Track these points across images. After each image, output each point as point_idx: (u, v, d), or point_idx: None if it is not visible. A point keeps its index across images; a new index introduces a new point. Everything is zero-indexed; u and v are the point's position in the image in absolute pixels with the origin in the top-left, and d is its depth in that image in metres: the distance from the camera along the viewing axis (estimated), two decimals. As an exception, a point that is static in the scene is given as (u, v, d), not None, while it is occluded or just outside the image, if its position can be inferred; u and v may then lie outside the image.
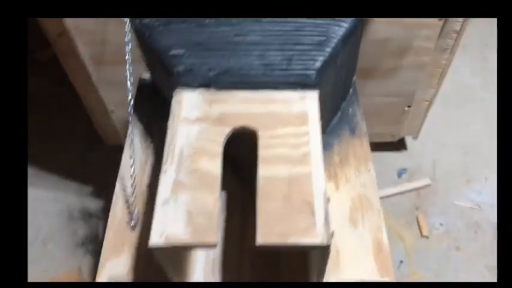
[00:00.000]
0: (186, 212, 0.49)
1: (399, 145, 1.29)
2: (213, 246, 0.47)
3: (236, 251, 0.65)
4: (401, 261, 1.11)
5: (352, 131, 0.75)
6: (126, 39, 0.59)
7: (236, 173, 0.69)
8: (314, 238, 0.47)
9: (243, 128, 0.55)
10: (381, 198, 1.06)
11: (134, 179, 0.64)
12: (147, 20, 0.63)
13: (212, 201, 0.50)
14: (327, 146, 0.72)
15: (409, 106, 0.97)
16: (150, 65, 0.69)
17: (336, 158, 0.72)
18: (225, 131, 0.55)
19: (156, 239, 0.47)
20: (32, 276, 1.10)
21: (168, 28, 0.62)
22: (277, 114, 0.56)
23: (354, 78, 0.78)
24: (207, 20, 0.62)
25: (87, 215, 1.22)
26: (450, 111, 1.37)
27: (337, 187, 0.69)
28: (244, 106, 0.57)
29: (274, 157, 0.53)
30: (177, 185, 0.51)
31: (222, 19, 0.62)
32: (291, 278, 0.61)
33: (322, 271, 0.55)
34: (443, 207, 1.20)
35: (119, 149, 1.20)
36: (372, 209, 0.66)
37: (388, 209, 1.19)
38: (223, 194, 0.70)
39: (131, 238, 0.65)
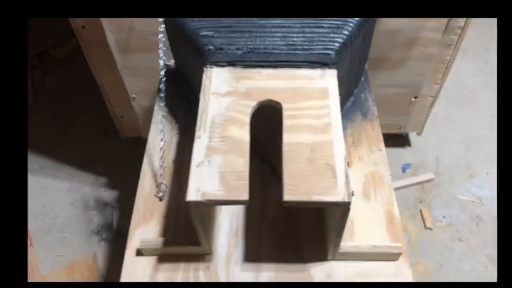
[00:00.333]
0: (219, 172, 0.53)
1: (403, 141, 1.34)
2: (245, 202, 0.52)
3: (257, 219, 0.69)
4: (406, 251, 1.15)
5: (364, 115, 0.80)
6: (159, 23, 0.64)
7: (255, 149, 0.73)
8: (336, 196, 0.52)
9: (268, 101, 0.60)
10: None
11: (164, 152, 0.68)
12: (178, 5, 0.68)
13: (243, 163, 0.54)
14: (340, 127, 0.76)
15: (415, 97, 1.02)
16: (178, 49, 0.74)
17: (349, 139, 0.77)
18: (252, 103, 0.60)
19: (193, 195, 0.52)
20: (49, 262, 1.13)
21: (198, 12, 0.67)
22: (300, 89, 0.61)
23: (366, 66, 0.83)
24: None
25: (102, 205, 1.26)
26: (452, 110, 1.42)
27: (350, 164, 0.73)
28: (269, 82, 0.62)
29: (298, 126, 0.58)
30: (210, 149, 0.55)
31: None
32: (309, 240, 0.66)
33: (340, 234, 0.59)
34: (446, 200, 1.25)
35: (134, 142, 1.25)
36: (383, 184, 0.71)
37: (394, 201, 1.23)
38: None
39: (159, 208, 0.69)
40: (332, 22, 0.66)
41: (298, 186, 0.52)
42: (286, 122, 0.58)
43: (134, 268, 0.63)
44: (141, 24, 0.81)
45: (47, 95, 1.51)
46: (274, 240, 0.66)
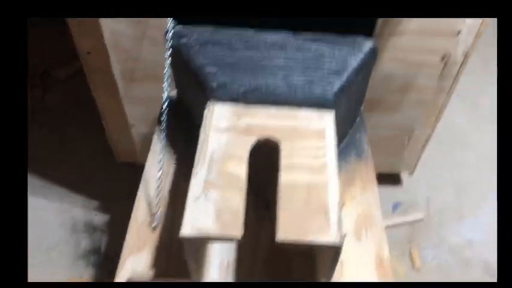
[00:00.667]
0: (215, 208, 0.54)
1: (395, 180, 1.36)
2: (237, 239, 0.52)
3: (249, 255, 0.69)
4: (394, 291, 1.15)
5: (359, 155, 0.81)
6: (166, 56, 0.66)
7: (250, 184, 0.74)
8: (328, 237, 0.53)
9: (267, 138, 0.62)
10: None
11: (161, 181, 0.69)
12: (184, 40, 0.70)
13: (239, 200, 0.55)
14: (335, 166, 0.78)
15: (408, 140, 1.04)
16: (182, 82, 0.76)
17: (343, 178, 0.78)
18: (251, 140, 0.61)
19: (187, 229, 0.52)
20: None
21: (204, 49, 0.69)
22: (299, 128, 0.63)
23: (362, 108, 0.86)
24: (238, 44, 0.70)
25: (91, 228, 1.25)
26: (444, 152, 1.45)
27: (343, 204, 0.74)
28: (269, 120, 0.64)
29: (295, 165, 0.59)
30: (208, 184, 0.56)
31: (252, 44, 0.70)
32: (301, 278, 0.66)
33: (330, 274, 0.60)
34: (435, 242, 1.26)
35: (129, 167, 1.26)
36: (375, 225, 0.72)
37: (383, 240, 1.23)
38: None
39: (152, 238, 0.69)
40: (331, 66, 0.68)
41: (291, 226, 0.53)
42: (283, 161, 0.59)
43: (123, 298, 0.63)
44: (147, 54, 0.83)
45: (46, 112, 1.52)
46: (265, 277, 0.67)
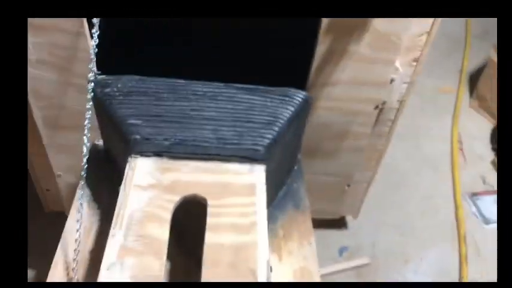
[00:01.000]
0: (132, 277, 0.49)
1: (340, 224, 1.35)
2: (156, 312, 0.47)
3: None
4: None
5: (297, 206, 0.79)
6: (88, 106, 0.62)
7: (181, 242, 0.70)
8: (256, 305, 0.49)
9: (193, 196, 0.58)
10: (322, 275, 1.09)
11: (78, 244, 0.63)
12: (108, 89, 0.66)
13: (158, 266, 0.50)
14: (272, 218, 0.75)
15: (348, 185, 1.04)
16: (106, 132, 0.72)
17: (280, 231, 0.75)
18: (175, 199, 0.57)
19: (98, 303, 0.47)
20: None
21: (128, 99, 0.65)
22: (227, 184, 0.60)
23: (299, 155, 0.84)
24: (166, 95, 0.67)
25: (15, 286, 1.14)
26: (386, 194, 1.46)
27: (280, 259, 0.71)
28: (195, 175, 0.60)
29: (221, 225, 0.55)
30: (124, 250, 0.51)
31: (180, 95, 0.67)
32: None
33: None
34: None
35: (58, 217, 1.17)
36: (312, 281, 0.69)
37: (330, 286, 1.21)
38: (168, 263, 0.70)
39: (68, 307, 0.62)
40: (263, 118, 0.67)
41: (215, 293, 0.49)
42: (210, 221, 0.56)
43: None
44: (72, 102, 0.79)
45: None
46: None
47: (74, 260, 0.63)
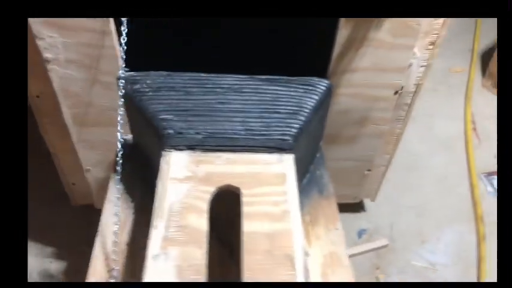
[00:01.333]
0: (176, 266, 0.52)
1: (358, 207, 1.37)
2: (202, 298, 0.50)
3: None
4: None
5: (321, 191, 0.81)
6: (119, 104, 0.64)
7: (213, 229, 0.72)
8: (296, 289, 0.51)
9: (227, 186, 0.60)
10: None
11: (117, 236, 0.65)
12: (137, 86, 0.68)
13: (200, 255, 0.53)
14: (298, 205, 0.77)
15: (368, 170, 1.06)
16: (136, 128, 0.74)
17: (306, 217, 0.78)
18: (211, 189, 0.59)
19: (147, 292, 0.49)
20: None
21: (158, 94, 0.67)
22: (258, 174, 0.62)
23: (321, 143, 0.86)
24: (193, 89, 0.69)
25: (47, 277, 1.18)
26: (403, 176, 1.48)
27: (309, 244, 0.73)
28: (228, 167, 0.62)
29: (256, 213, 0.58)
30: (167, 241, 0.54)
31: (206, 88, 0.69)
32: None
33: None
34: (401, 266, 1.27)
35: (85, 210, 1.20)
36: (341, 265, 0.71)
37: (350, 268, 1.23)
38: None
39: (110, 295, 0.65)
40: (289, 108, 0.68)
41: (257, 279, 0.51)
42: (245, 209, 0.58)
43: None
44: (99, 99, 0.81)
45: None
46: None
47: (114, 251, 0.66)
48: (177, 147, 0.63)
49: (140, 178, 0.78)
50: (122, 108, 0.65)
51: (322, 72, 0.80)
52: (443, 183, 1.45)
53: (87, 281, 0.66)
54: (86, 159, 0.92)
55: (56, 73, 0.76)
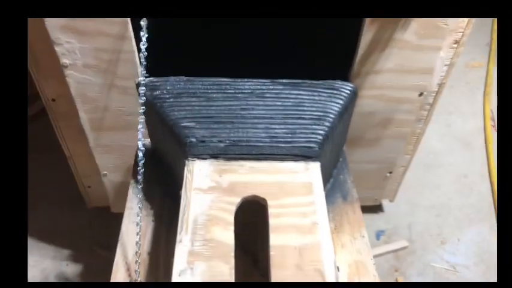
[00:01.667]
0: (203, 282, 0.50)
1: (376, 208, 1.34)
2: (231, 316, 0.48)
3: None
4: (384, 324, 1.13)
5: (345, 197, 0.79)
6: (139, 111, 0.62)
7: (238, 239, 0.70)
8: (328, 306, 0.49)
9: (253, 197, 0.58)
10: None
11: (139, 247, 0.64)
12: (157, 92, 0.66)
13: (228, 270, 0.51)
14: (322, 212, 0.75)
15: (390, 172, 1.03)
16: (156, 134, 0.72)
17: (331, 224, 0.75)
18: (236, 201, 0.58)
19: (174, 310, 0.48)
20: None
21: (179, 101, 0.65)
22: (284, 184, 0.60)
23: (344, 147, 0.84)
24: (215, 94, 0.67)
25: (63, 280, 1.17)
26: (421, 175, 1.45)
27: (335, 252, 0.71)
28: (252, 176, 0.60)
29: (284, 226, 0.56)
30: (193, 255, 0.52)
31: (228, 94, 0.67)
32: None
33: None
34: (420, 268, 1.24)
35: (101, 211, 1.19)
36: (368, 275, 0.69)
37: (370, 270, 1.21)
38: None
39: (133, 307, 0.64)
40: (313, 113, 0.66)
41: (287, 296, 0.50)
42: (272, 222, 0.56)
43: None
44: (116, 104, 0.79)
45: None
46: None
47: (136, 262, 0.64)
48: (200, 156, 0.61)
49: (159, 184, 0.77)
50: (143, 116, 0.63)
51: (344, 75, 0.77)
52: (463, 182, 1.42)
53: (109, 292, 0.65)
54: (102, 163, 0.91)
55: (73, 78, 0.75)
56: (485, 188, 1.40)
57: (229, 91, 0.67)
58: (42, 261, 1.19)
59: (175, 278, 0.50)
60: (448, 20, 0.74)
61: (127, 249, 0.69)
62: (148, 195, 0.77)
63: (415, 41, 0.75)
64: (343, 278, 0.68)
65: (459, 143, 1.54)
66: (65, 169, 1.09)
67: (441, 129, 1.60)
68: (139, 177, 0.63)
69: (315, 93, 0.68)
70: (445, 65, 0.87)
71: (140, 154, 0.62)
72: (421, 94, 0.84)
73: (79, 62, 0.71)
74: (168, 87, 0.67)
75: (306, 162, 0.62)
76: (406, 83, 0.81)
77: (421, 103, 0.90)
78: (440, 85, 0.92)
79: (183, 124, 0.63)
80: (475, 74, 1.79)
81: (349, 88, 0.70)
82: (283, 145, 0.63)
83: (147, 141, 0.81)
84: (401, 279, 1.21)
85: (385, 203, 1.35)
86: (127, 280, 0.66)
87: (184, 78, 0.68)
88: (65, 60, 0.71)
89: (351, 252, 0.71)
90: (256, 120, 0.65)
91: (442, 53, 0.84)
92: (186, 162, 0.61)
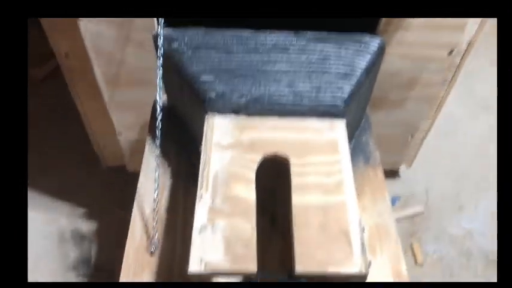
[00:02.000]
0: (224, 239, 0.49)
1: (393, 173, 1.32)
2: (252, 273, 0.47)
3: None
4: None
5: (367, 160, 0.76)
6: (158, 65, 0.59)
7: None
8: (352, 267, 0.48)
9: (274, 154, 0.56)
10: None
11: (157, 204, 0.63)
12: (175, 45, 0.63)
13: (249, 228, 0.50)
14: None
15: (412, 136, 1.00)
16: (174, 89, 0.69)
17: (351, 186, 0.73)
18: (257, 157, 0.55)
19: (195, 266, 0.47)
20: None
21: (197, 54, 0.62)
22: (308, 142, 0.57)
23: (367, 107, 0.80)
24: (235, 47, 0.64)
25: (78, 237, 1.18)
26: (440, 141, 1.41)
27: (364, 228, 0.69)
28: (274, 133, 0.58)
29: (307, 185, 0.54)
30: (214, 212, 0.51)
31: (251, 46, 0.63)
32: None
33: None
34: (436, 234, 1.23)
35: (116, 171, 1.18)
36: (389, 238, 0.68)
37: (384, 235, 1.20)
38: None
39: (151, 263, 0.63)
40: (339, 69, 0.62)
41: (310, 256, 0.48)
42: (295, 181, 0.54)
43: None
44: (133, 58, 0.76)
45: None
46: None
47: (154, 219, 0.63)
48: (220, 112, 0.59)
49: (176, 142, 0.75)
50: (161, 68, 0.60)
51: (371, 29, 0.73)
52: (482, 149, 1.38)
53: (125, 251, 0.64)
54: (118, 121, 0.89)
55: (87, 29, 0.72)
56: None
57: (251, 44, 0.64)
58: (58, 218, 1.20)
59: (196, 235, 0.49)
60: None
61: (144, 206, 0.68)
62: (165, 153, 0.75)
63: (449, -7, 0.70)
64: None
65: (480, 109, 1.49)
66: (79, 129, 1.08)
67: (462, 94, 1.55)
68: (157, 132, 0.61)
69: (342, 48, 0.65)
70: (476, 23, 0.83)
71: (158, 109, 0.60)
72: (450, 52, 0.80)
73: (93, 12, 0.68)
74: (186, 39, 0.63)
75: (331, 119, 0.60)
76: (435, 40, 0.77)
77: (449, 63, 0.86)
78: (470, 44, 0.88)
79: (202, 78, 0.60)
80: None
81: (378, 42, 0.66)
82: (307, 102, 0.60)
83: (164, 97, 0.78)
84: (416, 245, 1.20)
85: (402, 168, 1.32)
86: (144, 237, 0.65)
87: (203, 29, 0.65)
88: (78, 10, 0.67)
89: (371, 215, 0.69)
90: (278, 75, 0.61)
91: (475, 9, 0.79)
92: (206, 117, 0.58)
